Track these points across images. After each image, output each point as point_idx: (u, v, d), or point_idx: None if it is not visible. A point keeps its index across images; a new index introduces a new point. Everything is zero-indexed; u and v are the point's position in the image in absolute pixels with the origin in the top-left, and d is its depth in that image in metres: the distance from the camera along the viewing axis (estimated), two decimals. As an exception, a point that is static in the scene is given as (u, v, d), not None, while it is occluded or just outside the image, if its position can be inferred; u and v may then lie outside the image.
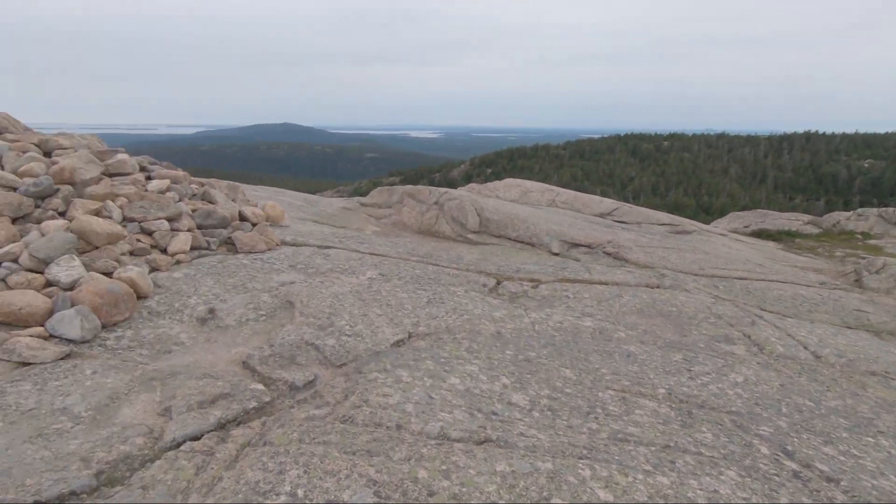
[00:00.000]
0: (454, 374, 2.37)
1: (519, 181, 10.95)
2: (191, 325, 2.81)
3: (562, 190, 10.57)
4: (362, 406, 1.98)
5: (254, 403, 2.03)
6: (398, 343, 2.74)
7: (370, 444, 1.71)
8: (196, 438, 1.76)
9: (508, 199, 9.69)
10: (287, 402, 2.09)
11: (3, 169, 3.45)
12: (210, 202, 4.60)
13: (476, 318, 3.19)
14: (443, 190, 7.63)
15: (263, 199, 7.21)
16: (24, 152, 3.66)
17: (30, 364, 2.21)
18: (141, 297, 2.93)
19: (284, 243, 4.57)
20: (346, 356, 2.51)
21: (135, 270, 2.94)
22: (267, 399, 2.08)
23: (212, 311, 2.94)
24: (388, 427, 1.85)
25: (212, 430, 1.82)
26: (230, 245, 4.20)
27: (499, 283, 4.12)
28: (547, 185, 10.96)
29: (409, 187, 8.21)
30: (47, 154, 3.85)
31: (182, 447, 1.69)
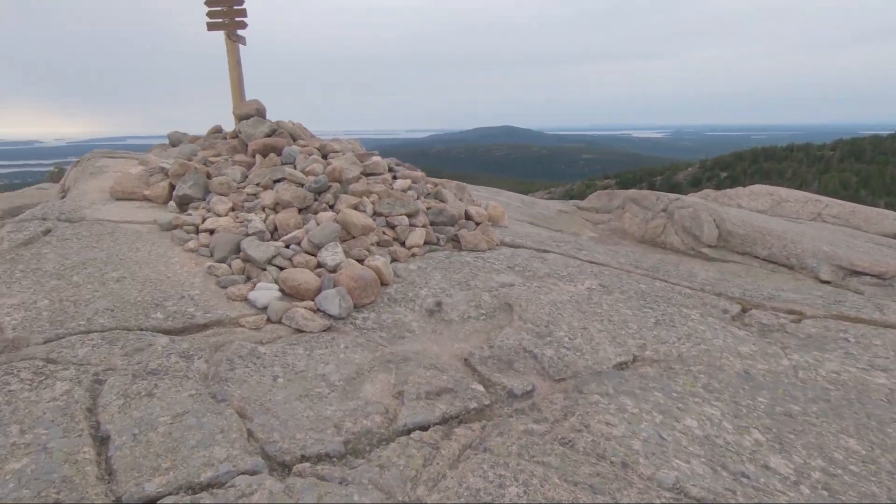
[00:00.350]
0: (690, 415, 2.04)
1: (770, 188, 9.21)
2: (421, 315, 3.05)
3: (831, 200, 8.52)
4: (583, 431, 1.84)
5: (474, 404, 2.07)
6: (621, 365, 2.51)
7: (593, 479, 1.56)
8: (424, 428, 1.87)
9: (754, 209, 8.24)
10: (505, 409, 2.08)
11: (295, 168, 4.31)
12: (441, 201, 4.98)
13: (716, 350, 2.73)
14: (672, 196, 6.87)
15: (485, 199, 7.59)
16: (309, 155, 4.50)
17: (302, 332, 2.67)
18: (383, 284, 3.31)
19: (503, 244, 4.67)
20: (564, 370, 2.40)
21: (380, 260, 3.34)
22: (486, 402, 2.11)
23: (439, 304, 3.15)
24: (612, 462, 1.67)
25: (437, 424, 1.91)
26: (455, 242, 4.47)
27: (744, 310, 3.48)
28: (810, 194, 8.97)
29: (632, 192, 7.64)
30: (324, 156, 4.67)
31: (412, 435, 1.80)
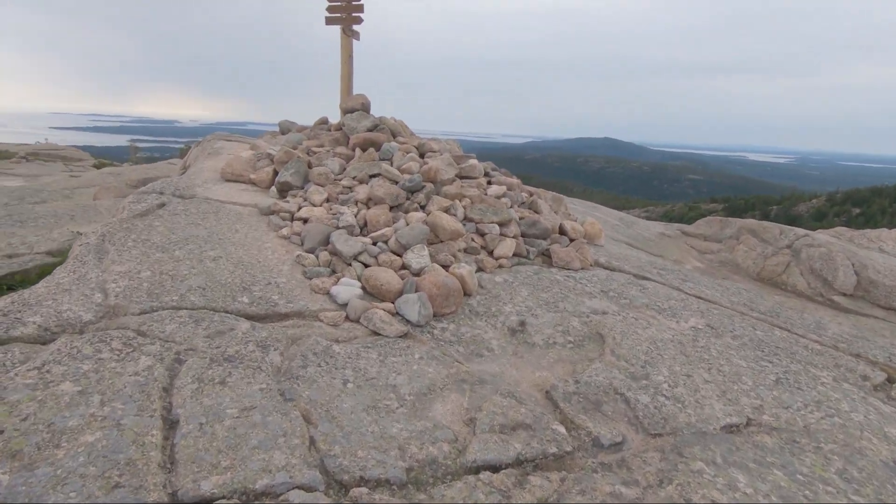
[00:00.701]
0: (822, 510, 1.66)
1: (924, 233, 7.85)
2: (502, 332, 2.84)
3: None
4: (683, 507, 1.55)
5: (553, 448, 1.84)
6: (731, 428, 2.14)
7: (696, 578, 1.27)
8: (494, 469, 1.67)
9: (901, 255, 7.06)
10: (589, 460, 1.82)
11: (391, 165, 4.28)
12: (536, 212, 4.74)
13: (854, 427, 2.25)
14: (801, 231, 6.05)
15: (581, 213, 7.19)
16: (406, 153, 4.46)
17: (379, 335, 2.58)
18: (466, 294, 3.15)
19: (598, 264, 4.33)
20: (662, 424, 2.08)
21: (465, 268, 3.18)
22: (567, 448, 1.86)
23: (522, 323, 2.93)
24: (720, 558, 1.37)
25: (510, 465, 1.70)
26: (546, 257, 4.21)
27: (891, 380, 2.89)
28: (977, 246, 7.53)
29: (750, 221, 6.85)
30: (421, 155, 4.61)
31: (481, 475, 1.62)
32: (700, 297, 3.89)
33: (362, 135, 4.53)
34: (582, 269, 4.11)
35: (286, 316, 2.55)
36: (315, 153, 4.55)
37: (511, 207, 4.44)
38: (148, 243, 2.89)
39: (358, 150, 4.50)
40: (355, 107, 4.83)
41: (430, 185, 3.96)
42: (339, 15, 4.90)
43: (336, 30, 5.13)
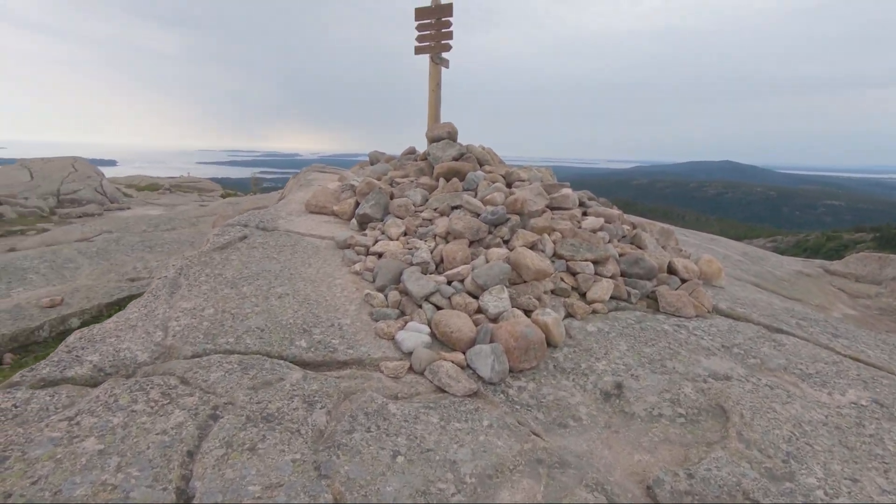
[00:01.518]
0: None
1: None
2: (593, 396, 2.36)
3: None
4: None
5: (656, 585, 1.34)
6: (934, 577, 1.47)
7: None
8: None
9: None
10: None
11: (475, 196, 3.99)
12: (639, 247, 4.15)
13: None
14: None
15: (694, 246, 6.34)
16: (492, 182, 4.15)
17: (444, 392, 2.24)
18: (551, 344, 2.71)
19: (717, 311, 3.63)
20: (820, 560, 1.48)
21: (551, 316, 2.74)
22: (677, 587, 1.35)
23: (619, 386, 2.42)
24: None
25: None
26: (652, 300, 3.61)
27: None
28: None
29: (921, 259, 5.55)
30: (509, 185, 4.28)
31: None
32: (859, 360, 3.05)
33: (446, 164, 4.31)
34: (697, 316, 3.45)
35: (344, 364, 2.31)
36: (398, 184, 4.41)
37: (609, 242, 3.92)
38: (220, 278, 2.85)
39: (442, 181, 4.28)
40: (441, 135, 4.65)
41: (515, 218, 3.59)
42: (428, 44, 4.82)
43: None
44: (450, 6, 4.69)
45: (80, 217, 10.79)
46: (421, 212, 3.94)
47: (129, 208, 12.48)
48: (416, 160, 4.88)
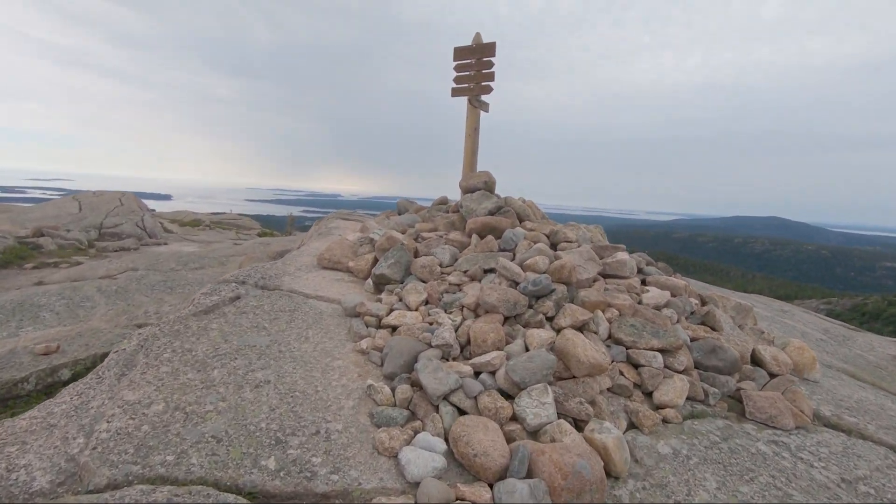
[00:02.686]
0: None
1: None
2: (678, 575, 1.60)
3: None
4: None
5: None
6: None
7: None
8: None
9: None
10: None
11: (513, 258, 3.36)
12: (713, 328, 3.38)
13: None
14: None
15: (764, 319, 5.45)
16: (534, 242, 3.52)
17: (459, 557, 1.54)
18: (611, 475, 1.98)
19: (820, 419, 2.81)
20: None
21: (612, 435, 2.02)
22: None
23: (716, 559, 1.65)
24: None
25: None
26: (734, 401, 2.82)
27: None
28: None
29: None
30: (553, 246, 3.63)
31: None
32: None
33: (481, 219, 3.72)
34: (797, 428, 2.65)
35: (324, 497, 1.65)
36: (425, 239, 3.84)
37: (678, 322, 3.18)
38: (187, 356, 2.28)
39: (475, 238, 3.68)
40: (476, 185, 4.10)
41: (561, 289, 2.92)
42: (466, 85, 4.35)
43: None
44: (492, 45, 4.24)
45: (116, 251, 10.77)
46: (448, 274, 3.33)
47: (165, 244, 12.48)
48: (448, 212, 4.32)
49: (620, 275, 3.49)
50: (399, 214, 5.17)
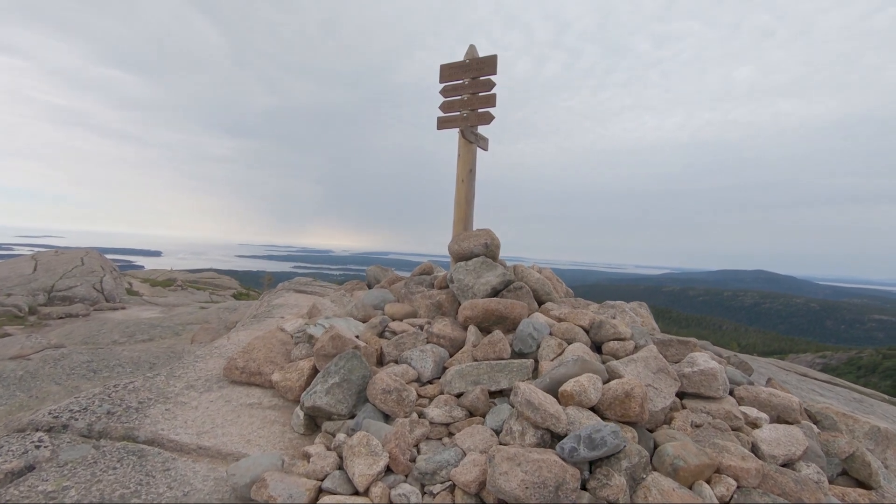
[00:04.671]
0: None
1: None
2: None
3: None
4: None
5: None
6: None
7: None
8: None
9: None
10: None
11: (536, 373, 2.04)
12: (863, 483, 2.04)
13: None
14: None
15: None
16: (567, 341, 2.21)
17: None
18: None
19: None
20: None
21: None
22: None
23: None
24: None
25: None
26: None
27: None
28: None
29: None
30: (597, 346, 2.32)
31: None
32: None
33: (481, 302, 2.42)
34: None
35: None
36: (396, 333, 2.51)
37: (824, 486, 1.83)
38: None
39: (473, 330, 2.37)
40: (474, 250, 2.83)
41: (634, 448, 1.59)
42: (458, 113, 3.16)
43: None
44: (493, 60, 3.08)
45: (60, 318, 9.24)
46: (430, 400, 1.99)
47: (123, 308, 10.93)
48: (433, 286, 3.01)
49: (707, 394, 2.17)
50: (368, 287, 3.84)
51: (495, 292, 2.64)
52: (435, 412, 1.88)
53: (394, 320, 2.72)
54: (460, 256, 2.87)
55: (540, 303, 2.72)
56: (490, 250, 2.85)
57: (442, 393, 2.06)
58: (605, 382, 1.87)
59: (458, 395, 2.02)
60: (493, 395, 2.02)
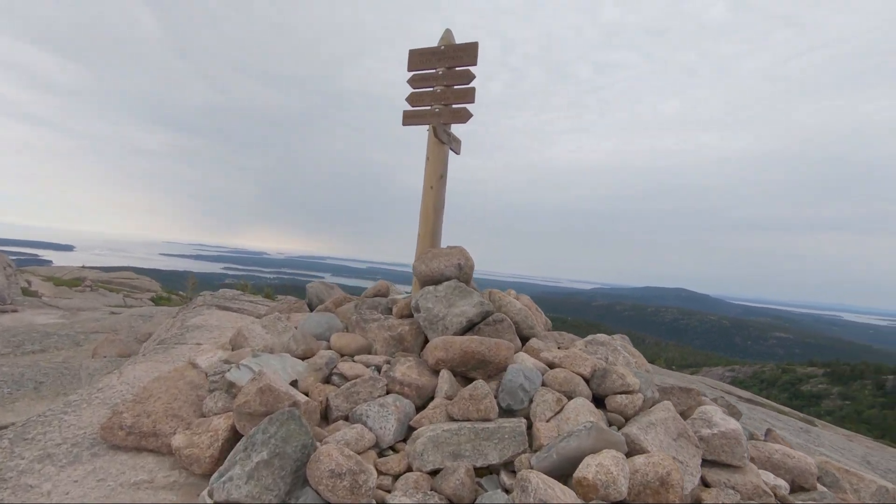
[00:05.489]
0: None
1: None
2: None
3: None
4: None
5: None
6: None
7: None
8: None
9: None
10: None
11: (535, 426, 1.56)
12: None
13: None
14: None
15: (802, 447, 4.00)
16: (566, 395, 1.76)
17: None
18: None
19: None
20: None
21: None
22: None
23: None
24: None
25: None
26: None
27: None
28: None
29: None
30: (598, 400, 1.88)
31: None
32: None
33: (458, 342, 1.92)
34: None
35: None
36: (347, 379, 1.96)
37: None
38: None
39: (446, 376, 1.87)
40: (444, 271, 2.33)
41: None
42: (429, 108, 2.66)
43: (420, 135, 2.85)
44: (473, 47, 2.59)
45: None
46: (392, 478, 1.45)
47: (14, 311, 9.35)
48: (390, 312, 2.45)
49: (729, 462, 1.78)
50: (309, 308, 3.22)
51: (471, 325, 2.15)
52: (401, 500, 1.35)
53: (343, 357, 2.15)
54: (428, 279, 2.36)
55: (522, 338, 2.26)
56: (464, 273, 2.36)
57: (410, 469, 1.53)
58: (631, 466, 1.42)
59: (433, 473, 1.51)
60: (478, 472, 1.52)
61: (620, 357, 2.30)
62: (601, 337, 2.53)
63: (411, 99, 2.76)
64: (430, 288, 2.26)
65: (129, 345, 6.14)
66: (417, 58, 2.72)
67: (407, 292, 2.88)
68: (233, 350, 2.36)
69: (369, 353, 2.23)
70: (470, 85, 2.66)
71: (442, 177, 2.66)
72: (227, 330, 2.92)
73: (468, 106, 2.65)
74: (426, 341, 2.21)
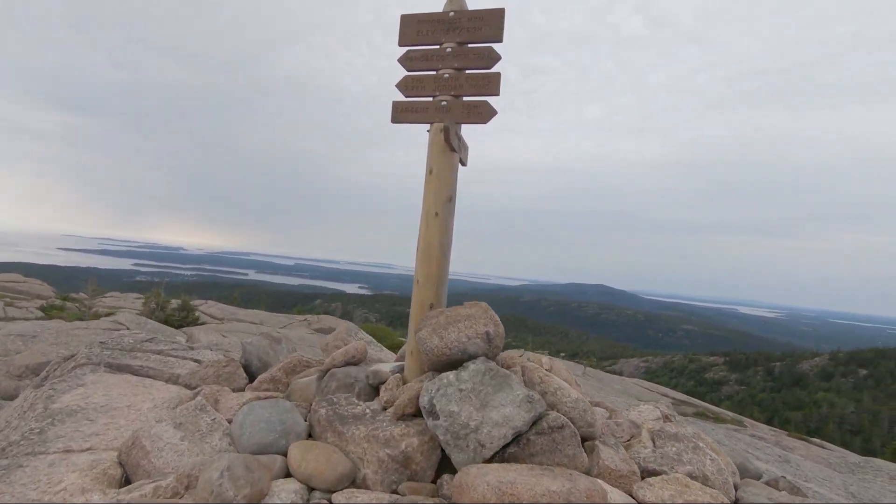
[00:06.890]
0: None
1: None
2: None
3: None
4: None
5: None
6: None
7: None
8: None
9: None
10: None
11: None
12: None
13: None
14: None
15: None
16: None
17: None
18: None
19: None
20: None
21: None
22: None
23: None
24: None
25: None
26: None
27: None
28: None
29: None
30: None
31: None
32: None
33: (523, 489, 1.16)
34: None
35: None
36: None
37: None
38: None
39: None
40: (466, 346, 1.53)
41: None
42: (431, 98, 1.85)
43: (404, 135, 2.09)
44: (499, 15, 1.77)
45: None
46: None
47: None
48: (374, 393, 1.58)
49: None
50: (247, 376, 2.27)
51: (517, 435, 1.39)
52: None
53: (313, 491, 1.31)
54: (443, 359, 1.56)
55: (587, 448, 1.54)
56: (494, 346, 1.59)
57: None
58: None
59: None
60: None
61: (707, 459, 1.63)
62: (669, 428, 1.86)
63: (406, 85, 1.93)
64: (450, 377, 1.47)
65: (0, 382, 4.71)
66: (414, 27, 1.90)
67: (387, 354, 2.06)
68: (124, 471, 1.43)
69: (355, 484, 1.40)
70: (493, 70, 1.88)
71: (450, 199, 1.86)
72: (121, 415, 1.95)
73: (490, 99, 1.87)
74: (442, 460, 1.42)
